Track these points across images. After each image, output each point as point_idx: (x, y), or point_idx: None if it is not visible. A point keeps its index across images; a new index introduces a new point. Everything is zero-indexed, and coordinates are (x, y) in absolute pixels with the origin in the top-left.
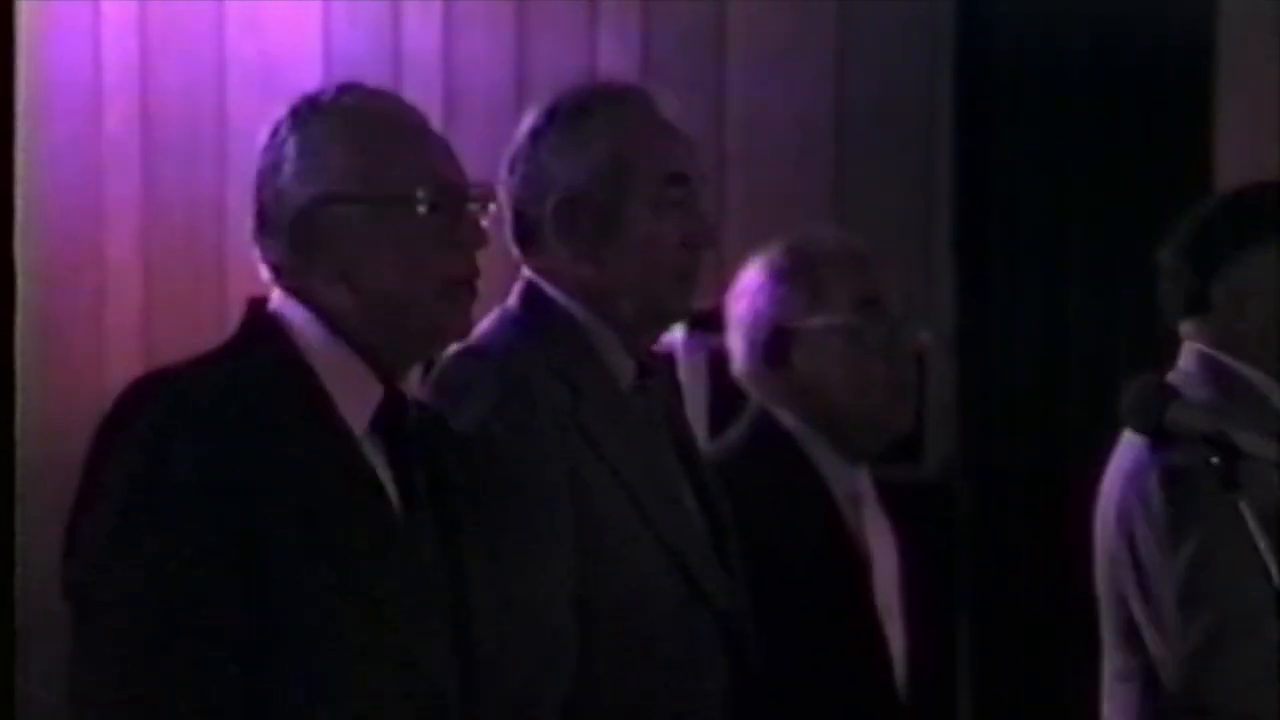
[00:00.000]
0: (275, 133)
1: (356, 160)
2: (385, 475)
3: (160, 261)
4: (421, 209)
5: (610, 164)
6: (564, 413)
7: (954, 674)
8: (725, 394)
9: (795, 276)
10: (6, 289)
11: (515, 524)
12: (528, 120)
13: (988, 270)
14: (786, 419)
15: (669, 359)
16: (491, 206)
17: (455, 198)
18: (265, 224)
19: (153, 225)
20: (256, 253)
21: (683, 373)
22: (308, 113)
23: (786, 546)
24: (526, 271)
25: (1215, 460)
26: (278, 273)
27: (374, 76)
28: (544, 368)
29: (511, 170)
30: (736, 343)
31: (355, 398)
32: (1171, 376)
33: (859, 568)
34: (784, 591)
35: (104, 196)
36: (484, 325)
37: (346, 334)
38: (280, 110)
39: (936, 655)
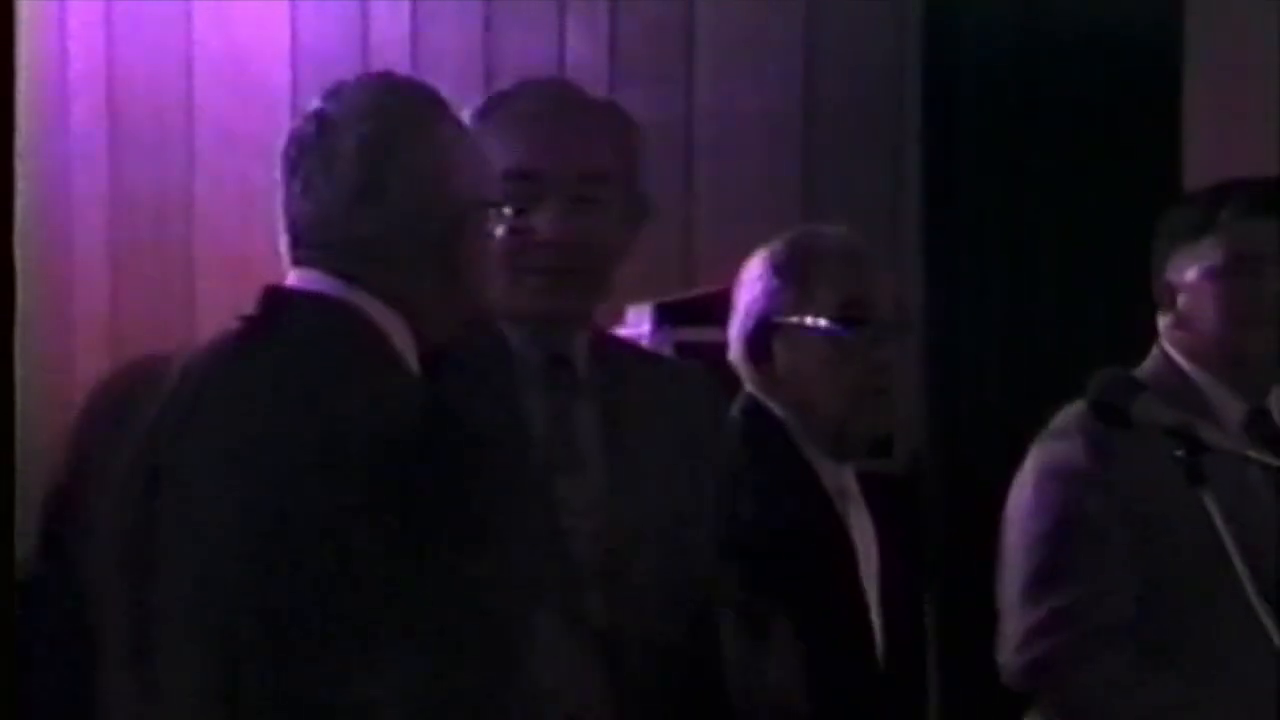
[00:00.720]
0: None
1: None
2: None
3: (128, 255)
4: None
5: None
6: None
7: (924, 665)
8: None
9: (787, 272)
10: (6, 289)
11: None
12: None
13: (955, 266)
14: (778, 410)
15: (636, 343)
16: None
17: None
18: None
19: (120, 219)
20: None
21: None
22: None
23: (781, 528)
24: None
25: (1180, 454)
26: None
27: (342, 69)
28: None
29: None
30: (733, 331)
31: None
32: (1137, 371)
33: (850, 552)
34: (779, 570)
35: (71, 191)
36: None
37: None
38: (247, 103)
39: (909, 648)
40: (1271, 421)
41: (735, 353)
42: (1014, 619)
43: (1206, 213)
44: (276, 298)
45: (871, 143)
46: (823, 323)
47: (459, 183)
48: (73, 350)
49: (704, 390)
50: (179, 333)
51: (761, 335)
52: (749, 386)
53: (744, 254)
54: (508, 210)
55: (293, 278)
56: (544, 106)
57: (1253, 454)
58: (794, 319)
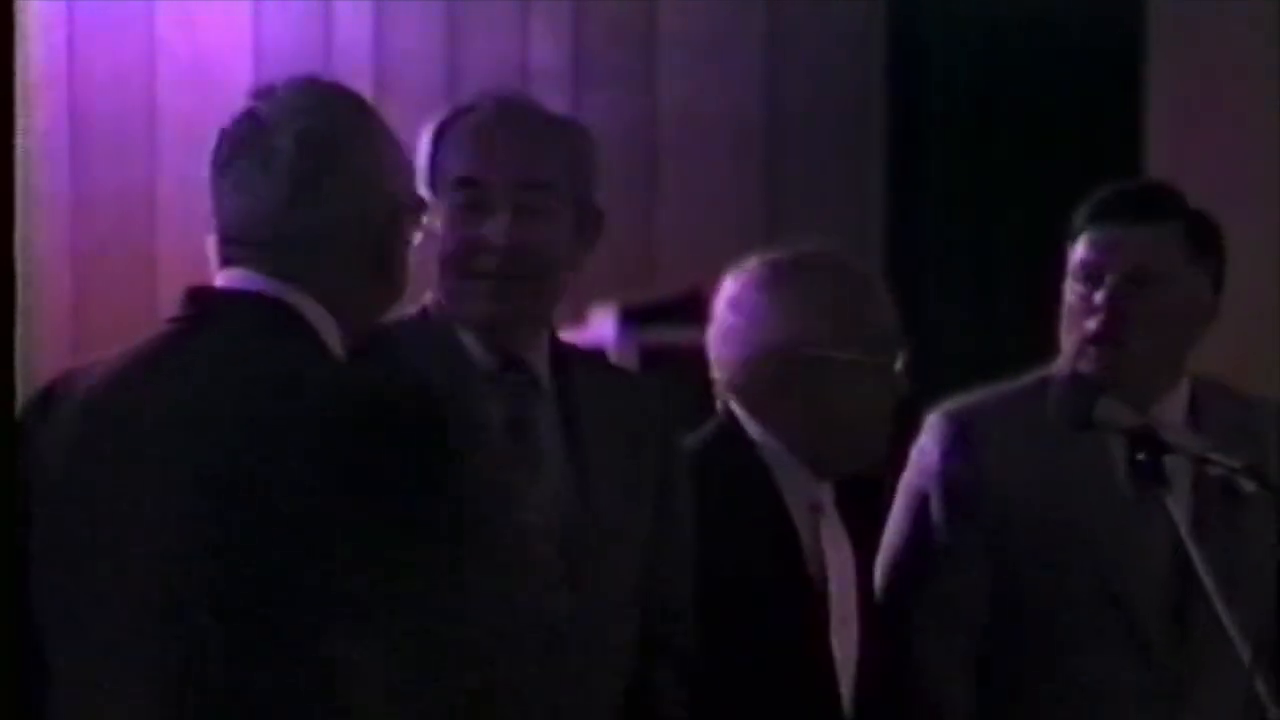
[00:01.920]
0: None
1: None
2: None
3: (90, 254)
4: None
5: (425, 168)
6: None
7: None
8: None
9: (814, 304)
10: (6, 289)
11: None
12: None
13: (921, 267)
14: (753, 429)
15: (599, 353)
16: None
17: None
18: None
19: (82, 218)
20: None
21: None
22: None
23: (735, 555)
24: None
25: (1141, 456)
26: None
27: (305, 68)
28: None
29: None
30: (726, 353)
31: None
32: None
33: (808, 582)
34: (730, 598)
35: (33, 190)
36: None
37: None
38: (210, 102)
39: (888, 660)
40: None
41: (735, 379)
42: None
43: (1079, 216)
44: (206, 297)
45: (835, 145)
46: (863, 357)
47: (392, 184)
48: (35, 350)
49: (661, 405)
50: (141, 333)
51: (782, 369)
52: (739, 409)
53: (706, 255)
54: (439, 218)
55: (221, 278)
56: (493, 117)
57: (1212, 456)
58: (829, 354)
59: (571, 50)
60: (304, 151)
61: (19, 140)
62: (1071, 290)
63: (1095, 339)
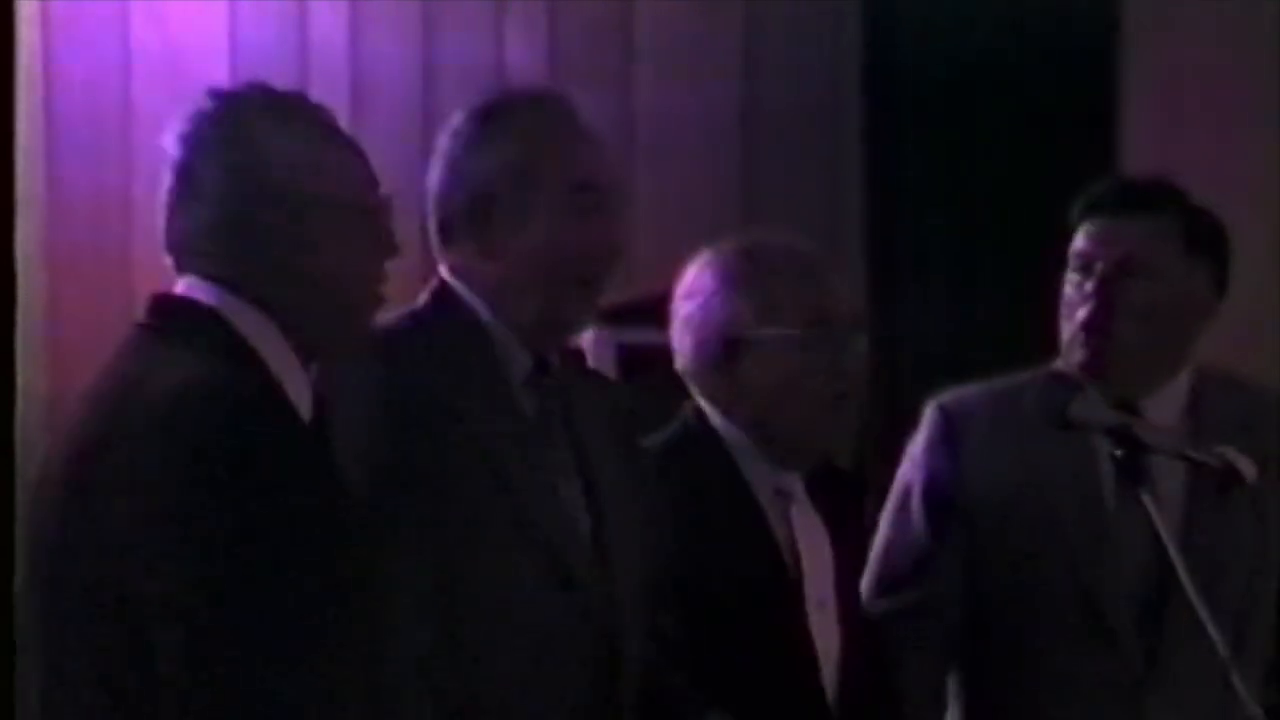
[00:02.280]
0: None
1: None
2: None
3: (66, 256)
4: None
5: (518, 165)
6: (439, 398)
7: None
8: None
9: (747, 285)
10: (6, 289)
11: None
12: (453, 120)
13: (897, 268)
14: (717, 420)
15: (578, 355)
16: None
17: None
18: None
19: (57, 220)
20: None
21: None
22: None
23: (709, 548)
24: (441, 270)
25: (1119, 454)
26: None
27: (280, 67)
28: (421, 347)
29: (434, 168)
30: (683, 341)
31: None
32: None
33: (783, 569)
34: (706, 593)
35: (8, 191)
36: (388, 316)
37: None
38: (185, 102)
39: (870, 644)
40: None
41: (688, 366)
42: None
43: (1075, 208)
44: (161, 305)
45: (812, 145)
46: (793, 333)
47: (294, 183)
48: (10, 352)
49: (633, 407)
50: (118, 334)
51: (722, 349)
52: (701, 399)
53: (684, 256)
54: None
55: (179, 284)
56: (582, 116)
57: (1190, 454)
58: (761, 332)
59: (547, 50)
60: (184, 148)
61: None
62: (1068, 280)
63: (1085, 327)
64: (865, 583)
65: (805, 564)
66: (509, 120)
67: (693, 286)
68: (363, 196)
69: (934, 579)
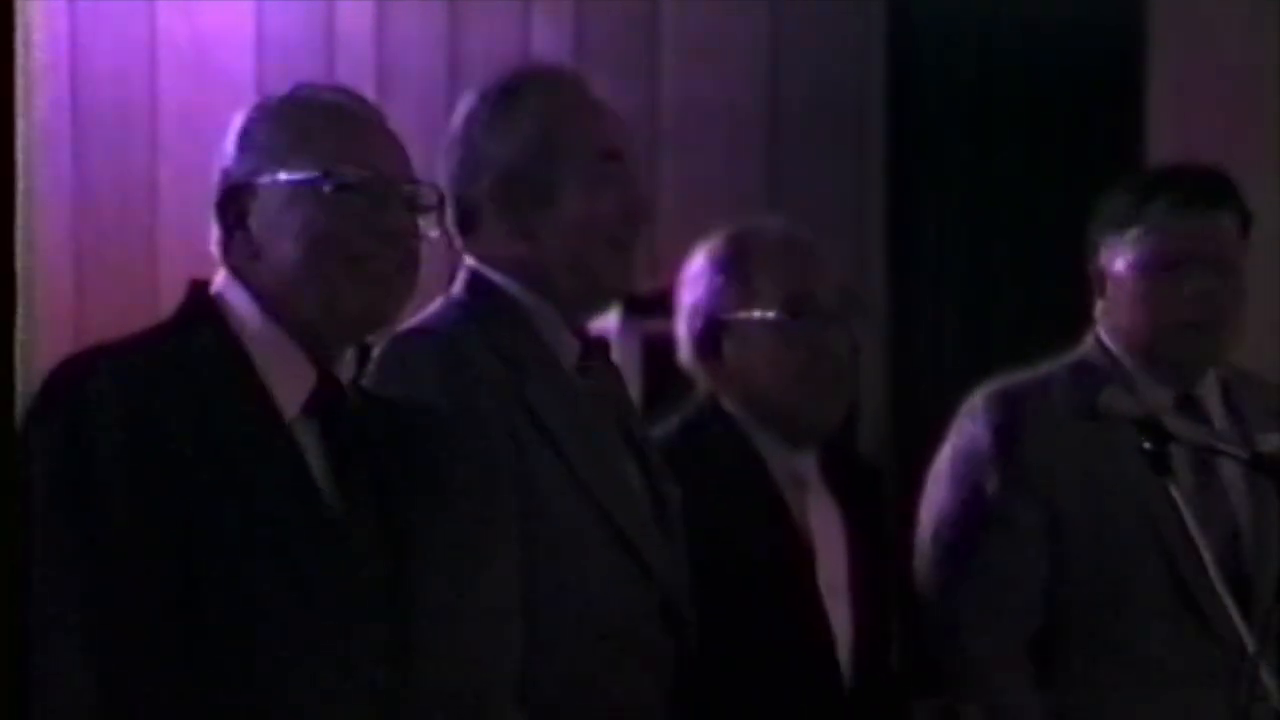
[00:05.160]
0: (238, 122)
1: (277, 142)
2: (317, 461)
3: (92, 245)
4: (327, 189)
5: (542, 140)
6: (506, 389)
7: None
8: (659, 379)
9: (730, 267)
10: (6, 289)
11: (461, 507)
12: (462, 106)
13: (919, 259)
14: (729, 403)
15: (604, 345)
16: (425, 200)
17: (377, 186)
18: (214, 205)
19: (84, 208)
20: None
21: (617, 358)
22: (262, 102)
23: (727, 527)
24: (469, 260)
25: (1148, 445)
26: (220, 252)
27: (306, 58)
28: (483, 346)
29: (449, 156)
30: (680, 329)
31: (288, 381)
32: (1074, 353)
33: (800, 549)
34: (725, 572)
35: (35, 180)
36: (428, 310)
37: (274, 313)
38: (211, 92)
39: (883, 632)
40: (1200, 408)
41: (685, 352)
42: (929, 610)
43: (1138, 202)
44: (190, 292)
45: (836, 136)
46: (770, 315)
47: (238, 165)
48: (36, 342)
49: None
50: (143, 323)
51: (709, 333)
52: (703, 385)
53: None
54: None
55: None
56: (598, 90)
57: (1219, 445)
58: (740, 314)
59: (573, 40)
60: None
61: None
62: (1151, 276)
63: (1197, 326)
64: (925, 569)
65: (819, 548)
66: (525, 98)
67: (686, 275)
68: (321, 172)
69: (1017, 557)
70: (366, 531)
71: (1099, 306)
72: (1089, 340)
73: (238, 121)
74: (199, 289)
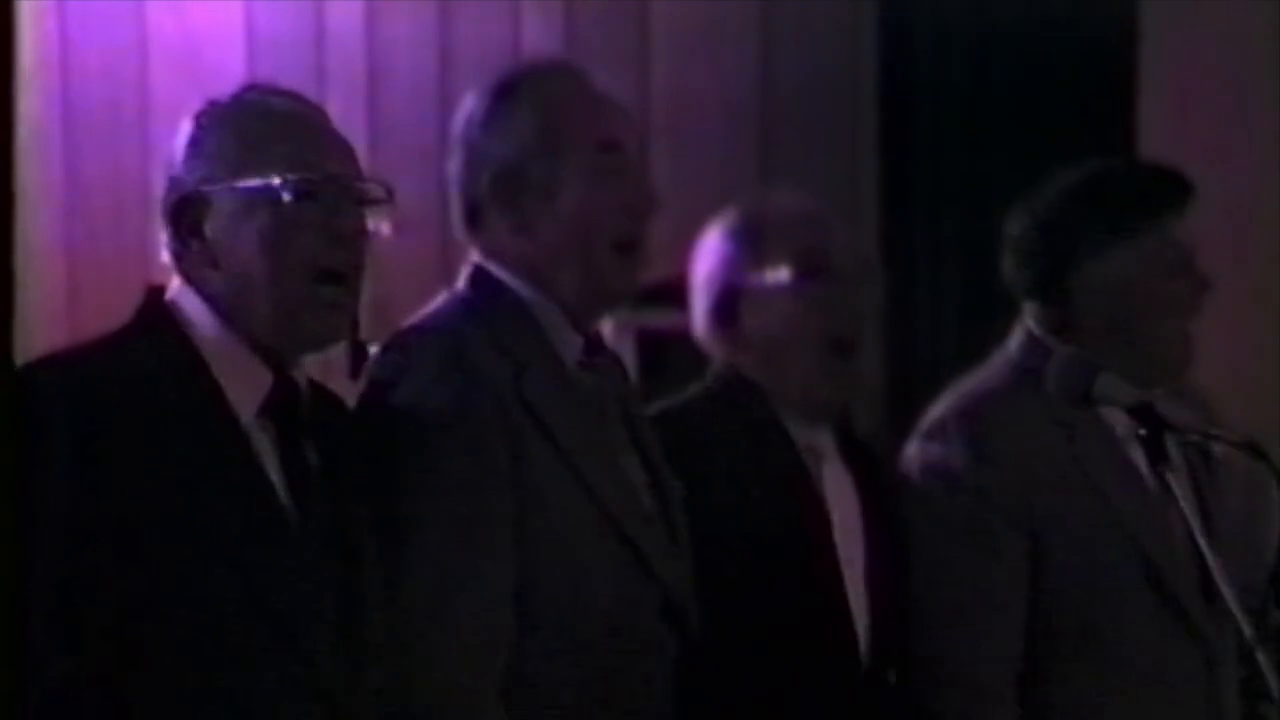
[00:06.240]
0: (185, 129)
1: (229, 149)
2: (273, 464)
3: (83, 244)
4: (286, 197)
5: (540, 135)
6: (505, 386)
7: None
8: (653, 372)
9: (742, 236)
10: (6, 289)
11: (449, 505)
12: (463, 108)
13: (913, 247)
14: (749, 373)
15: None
16: (374, 195)
17: (330, 190)
18: (163, 213)
19: (75, 208)
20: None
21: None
22: (209, 108)
23: (747, 489)
24: (475, 256)
25: (1143, 432)
26: (173, 260)
27: (297, 56)
28: (485, 342)
29: (453, 158)
30: (695, 302)
31: (243, 386)
32: (995, 357)
33: (819, 517)
34: (743, 535)
35: (26, 180)
36: (431, 306)
37: (230, 320)
38: (202, 91)
39: (897, 609)
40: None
41: (702, 325)
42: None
43: (1141, 207)
44: (148, 296)
45: (828, 126)
46: (784, 276)
47: (189, 171)
48: (28, 343)
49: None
50: None
51: (726, 302)
52: (719, 357)
53: (700, 239)
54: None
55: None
56: (597, 83)
57: (1214, 431)
58: (752, 277)
59: (564, 33)
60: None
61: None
62: (1169, 282)
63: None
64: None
65: (835, 521)
66: (525, 92)
67: (701, 252)
68: (276, 179)
69: (1003, 575)
70: (320, 533)
71: (1066, 314)
72: (1016, 338)
73: (185, 128)
74: (155, 294)
